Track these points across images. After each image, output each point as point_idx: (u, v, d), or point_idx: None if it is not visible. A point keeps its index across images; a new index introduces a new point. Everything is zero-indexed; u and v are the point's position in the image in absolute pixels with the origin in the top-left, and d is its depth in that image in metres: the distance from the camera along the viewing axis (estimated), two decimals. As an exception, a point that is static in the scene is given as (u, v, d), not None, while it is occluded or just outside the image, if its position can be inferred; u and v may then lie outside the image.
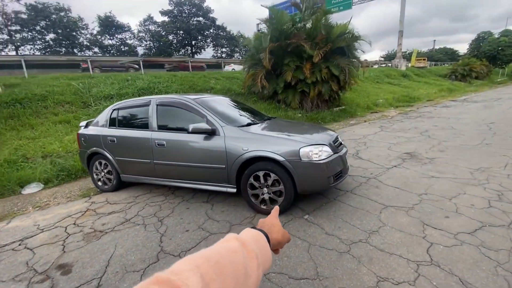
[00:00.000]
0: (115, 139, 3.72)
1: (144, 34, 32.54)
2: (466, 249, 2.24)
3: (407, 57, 37.99)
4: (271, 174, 2.85)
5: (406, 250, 2.27)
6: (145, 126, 3.57)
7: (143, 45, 32.47)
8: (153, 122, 3.49)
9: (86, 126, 4.18)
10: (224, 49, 38.20)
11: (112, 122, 3.87)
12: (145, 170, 3.60)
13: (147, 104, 3.62)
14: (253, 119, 3.62)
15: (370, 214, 2.89)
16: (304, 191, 2.85)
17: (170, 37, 34.14)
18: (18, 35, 24.66)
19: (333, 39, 9.92)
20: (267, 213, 2.98)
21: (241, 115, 3.64)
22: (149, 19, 32.87)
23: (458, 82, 26.17)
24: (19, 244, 2.74)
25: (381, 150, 5.40)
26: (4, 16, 23.46)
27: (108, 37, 29.52)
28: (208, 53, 38.99)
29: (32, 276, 2.24)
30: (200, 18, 35.40)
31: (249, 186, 3.00)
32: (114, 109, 3.92)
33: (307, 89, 10.10)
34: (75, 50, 25.68)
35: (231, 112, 3.60)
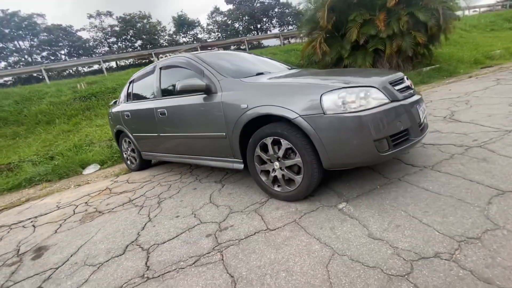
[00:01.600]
0: (129, 114, 3.42)
1: (212, 26, 34.11)
2: None
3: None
4: (281, 140, 1.88)
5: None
6: (150, 95, 3.10)
7: (212, 36, 34.09)
8: (157, 89, 2.97)
9: (114, 104, 4.08)
10: (290, 27, 36.17)
11: (128, 96, 3.59)
12: (155, 146, 3.18)
13: (152, 71, 3.12)
14: (274, 69, 2.65)
15: (466, 206, 1.58)
16: (334, 165, 1.77)
17: (236, 25, 34.56)
18: (115, 46, 29.64)
19: (417, -28, 7.42)
20: (282, 197, 2.06)
21: (253, 67, 2.73)
22: (216, 10, 34.05)
23: None
24: (31, 221, 2.71)
25: (496, 108, 3.48)
26: (103, 31, 28.48)
27: (182, 35, 32.24)
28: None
29: (10, 257, 2.04)
30: (264, -1, 34.41)
31: (257, 160, 2.12)
32: (130, 82, 3.63)
33: (382, 46, 8.01)
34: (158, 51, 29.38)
35: (240, 64, 2.72)
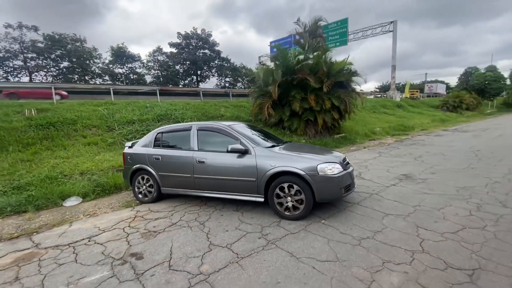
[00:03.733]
0: (159, 157, 4.45)
1: (152, 64, 34.73)
2: (450, 243, 2.91)
3: (401, 88, 40.21)
4: (294, 185, 3.56)
5: (404, 243, 2.93)
6: (186, 146, 4.33)
7: (151, 73, 34.47)
8: (194, 143, 4.26)
9: (131, 146, 4.93)
10: (227, 79, 40.41)
11: (157, 143, 4.63)
12: (185, 183, 4.29)
13: (188, 129, 4.42)
14: (274, 142, 4.41)
15: (374, 220, 3.56)
16: (321, 200, 3.55)
17: (177, 67, 36.30)
18: (32, 62, 26.29)
19: (334, 74, 11.12)
20: (290, 218, 3.65)
21: (264, 139, 4.43)
22: (158, 50, 35.30)
23: (450, 113, 27.69)
24: (89, 240, 3.34)
25: (381, 172, 6.14)
26: (22, 44, 25.25)
27: (119, 66, 31.49)
28: (212, 82, 41.16)
29: (112, 261, 2.84)
30: (206, 51, 37.99)
31: (275, 196, 3.70)
32: (158, 133, 4.71)
33: (312, 118, 11.05)
34: (87, 78, 27.46)
35: (257, 136, 4.39)
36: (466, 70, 43.21)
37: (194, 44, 37.49)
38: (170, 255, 2.90)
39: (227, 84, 42.22)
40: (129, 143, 5.01)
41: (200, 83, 40.53)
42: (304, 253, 2.81)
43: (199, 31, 37.19)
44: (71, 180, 5.91)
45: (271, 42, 37.13)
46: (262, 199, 3.80)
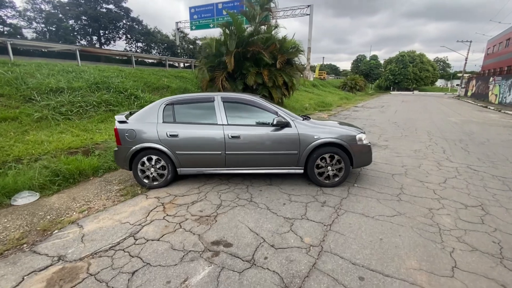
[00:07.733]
0: (177, 134, 3.77)
1: (33, 15, 25.85)
2: (450, 190, 3.89)
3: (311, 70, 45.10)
4: (335, 155, 3.82)
5: (425, 194, 3.73)
6: (210, 120, 3.84)
7: (32, 27, 25.69)
8: (222, 117, 3.82)
9: (125, 121, 3.91)
10: (140, 44, 34.90)
11: (167, 117, 3.87)
12: (213, 161, 3.85)
13: (211, 100, 3.89)
14: (302, 116, 4.46)
15: (388, 179, 4.29)
16: (357, 166, 3.97)
17: (71, 22, 28.49)
18: None
19: (285, 51, 11.51)
20: (329, 186, 3.93)
21: (294, 114, 4.42)
22: (40, -4, 26.43)
23: (348, 92, 33.50)
24: (135, 240, 2.67)
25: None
26: None
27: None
28: (120, 46, 34.79)
29: (199, 254, 2.43)
30: (111, 6, 31.16)
31: (316, 166, 3.87)
32: (167, 104, 3.92)
33: (266, 93, 11.27)
34: None
35: (290, 111, 4.33)
36: (357, 57, 52.83)
37: (92, -5, 30.03)
38: (257, 235, 2.72)
39: (138, 50, 36.75)
40: (120, 117, 3.94)
41: (104, 46, 33.65)
42: (372, 212, 3.19)
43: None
44: (6, 170, 4.29)
45: (190, 8, 34.18)
46: (302, 171, 3.91)
